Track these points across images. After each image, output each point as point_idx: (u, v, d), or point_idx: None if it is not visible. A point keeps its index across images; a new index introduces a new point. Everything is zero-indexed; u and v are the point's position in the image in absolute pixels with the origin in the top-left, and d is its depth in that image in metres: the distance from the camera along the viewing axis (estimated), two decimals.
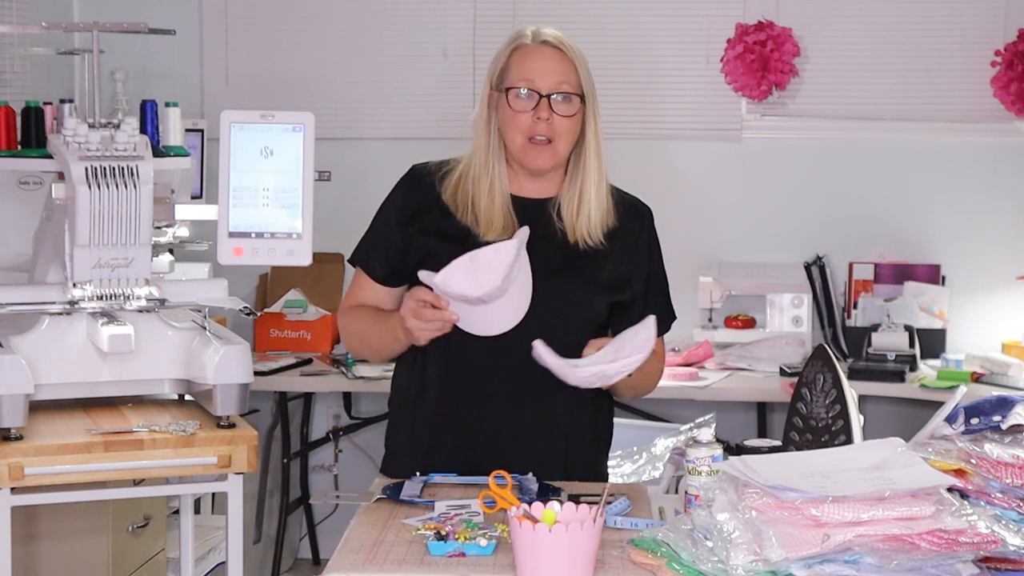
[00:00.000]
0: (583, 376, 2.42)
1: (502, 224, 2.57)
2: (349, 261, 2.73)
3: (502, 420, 2.55)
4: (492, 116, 2.60)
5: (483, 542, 2.04)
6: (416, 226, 2.61)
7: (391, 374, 2.76)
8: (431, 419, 2.59)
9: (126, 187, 2.44)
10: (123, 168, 2.44)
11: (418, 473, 2.48)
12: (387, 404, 2.79)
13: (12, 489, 2.34)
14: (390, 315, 2.59)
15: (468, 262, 2.41)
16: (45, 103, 2.84)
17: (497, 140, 2.59)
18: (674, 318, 2.73)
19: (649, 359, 2.50)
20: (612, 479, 3.63)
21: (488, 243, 2.52)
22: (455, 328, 2.48)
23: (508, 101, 2.55)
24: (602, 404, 2.67)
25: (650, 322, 2.42)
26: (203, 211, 2.74)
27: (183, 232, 3.55)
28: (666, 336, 2.72)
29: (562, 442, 2.58)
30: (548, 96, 2.54)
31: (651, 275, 2.66)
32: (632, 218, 2.64)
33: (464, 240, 2.56)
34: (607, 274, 2.60)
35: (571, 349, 2.48)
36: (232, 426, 2.46)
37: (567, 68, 2.56)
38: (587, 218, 2.58)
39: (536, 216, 2.59)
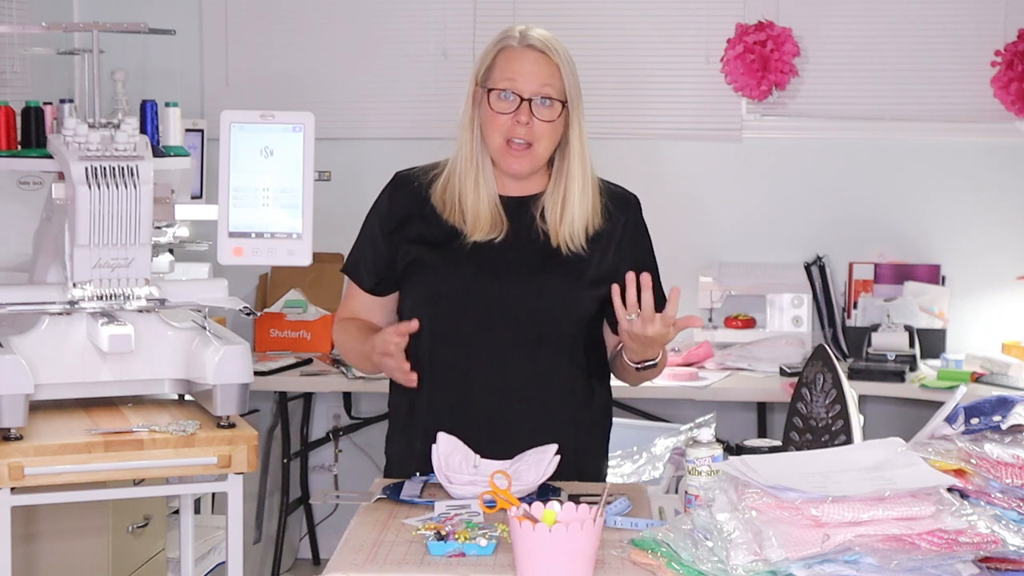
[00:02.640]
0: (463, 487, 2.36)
1: (489, 223, 2.57)
2: (341, 271, 2.74)
3: (499, 419, 2.55)
4: (476, 113, 2.60)
5: (483, 542, 2.04)
6: (402, 234, 2.61)
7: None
8: (426, 425, 2.57)
9: (126, 187, 2.44)
10: (123, 168, 2.44)
11: (418, 473, 2.48)
12: (387, 414, 2.79)
13: (12, 489, 2.34)
14: (367, 339, 2.59)
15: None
16: (45, 103, 2.83)
17: (480, 137, 2.59)
18: (665, 301, 2.73)
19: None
20: (612, 479, 3.64)
21: (475, 245, 2.55)
22: (442, 337, 2.55)
23: (489, 101, 2.56)
24: (599, 399, 2.67)
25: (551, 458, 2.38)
26: (203, 211, 2.74)
27: (183, 232, 3.54)
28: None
29: (560, 438, 2.57)
30: (529, 100, 2.54)
31: (639, 262, 2.65)
32: (617, 209, 2.64)
33: (450, 242, 2.57)
34: (591, 273, 2.59)
35: (559, 345, 2.55)
36: (232, 426, 2.46)
37: (551, 72, 2.55)
38: (571, 223, 2.58)
39: (520, 215, 2.60)
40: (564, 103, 2.56)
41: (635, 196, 2.69)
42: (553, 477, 2.46)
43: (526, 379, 2.55)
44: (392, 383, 2.70)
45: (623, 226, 2.64)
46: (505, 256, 2.57)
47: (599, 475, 2.70)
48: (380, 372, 2.63)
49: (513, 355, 2.56)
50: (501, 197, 2.61)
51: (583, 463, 2.62)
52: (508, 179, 2.62)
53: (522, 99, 2.54)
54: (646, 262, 2.68)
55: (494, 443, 2.48)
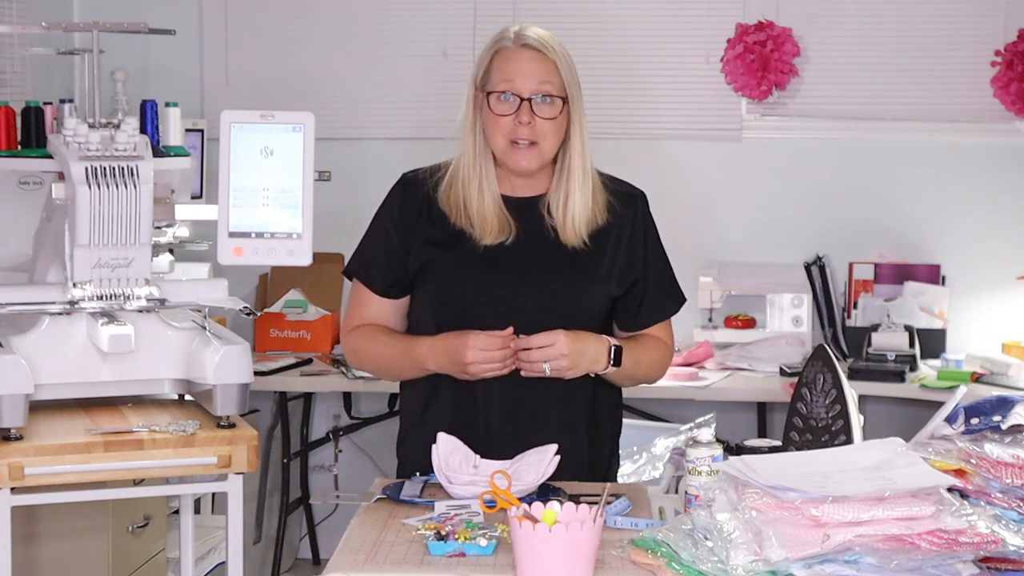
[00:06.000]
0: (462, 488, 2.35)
1: (497, 225, 2.57)
2: (345, 273, 2.72)
3: (514, 421, 2.55)
4: (477, 117, 2.59)
5: (483, 542, 2.05)
6: (414, 235, 2.61)
7: None
8: (442, 427, 2.55)
9: (126, 187, 2.44)
10: (123, 168, 2.44)
11: (418, 473, 2.48)
12: (399, 415, 2.77)
13: (12, 489, 2.34)
14: (410, 346, 2.58)
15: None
16: (45, 103, 2.83)
17: (483, 141, 2.59)
18: (683, 299, 2.73)
19: (653, 348, 2.61)
20: None
21: (486, 247, 2.54)
22: None
23: (490, 104, 2.55)
24: (611, 399, 2.67)
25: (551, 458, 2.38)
26: (203, 211, 2.74)
27: (183, 232, 3.55)
28: None
29: (575, 439, 2.57)
30: (529, 99, 2.54)
31: (648, 259, 2.66)
32: (624, 206, 2.64)
33: (460, 244, 2.56)
34: (604, 269, 2.60)
35: None
36: (232, 426, 2.46)
37: (548, 69, 2.55)
38: (572, 219, 2.58)
39: (528, 215, 2.60)
40: (564, 99, 2.56)
41: (642, 192, 2.69)
42: (566, 479, 2.46)
43: (541, 380, 2.54)
44: (403, 391, 2.70)
45: (632, 223, 2.64)
46: (518, 258, 2.57)
47: (611, 476, 2.70)
48: (419, 375, 2.61)
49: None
50: (508, 198, 2.60)
51: (596, 464, 2.63)
52: (514, 180, 2.62)
53: (522, 99, 2.54)
54: (657, 257, 2.69)
55: (510, 445, 2.47)
